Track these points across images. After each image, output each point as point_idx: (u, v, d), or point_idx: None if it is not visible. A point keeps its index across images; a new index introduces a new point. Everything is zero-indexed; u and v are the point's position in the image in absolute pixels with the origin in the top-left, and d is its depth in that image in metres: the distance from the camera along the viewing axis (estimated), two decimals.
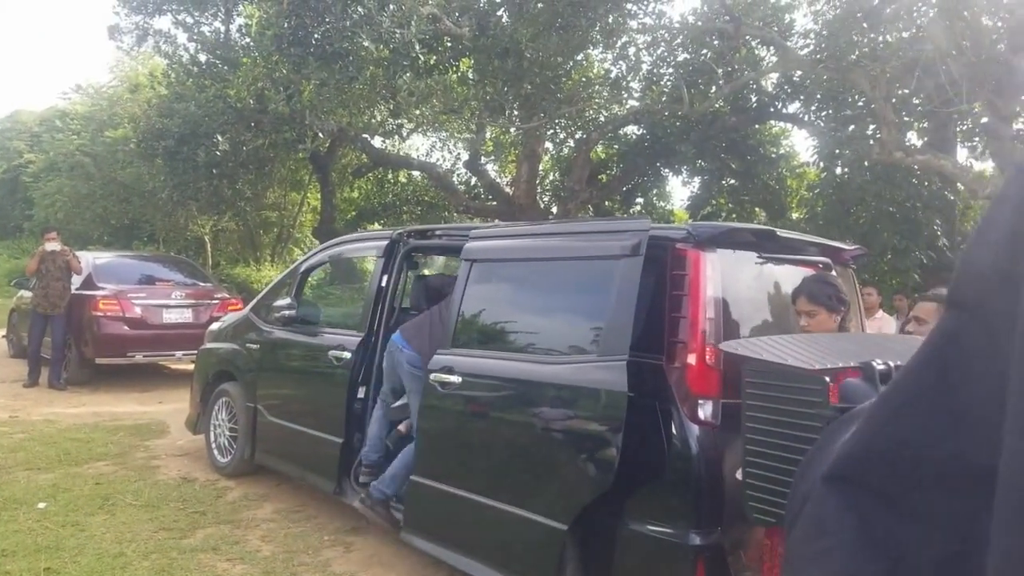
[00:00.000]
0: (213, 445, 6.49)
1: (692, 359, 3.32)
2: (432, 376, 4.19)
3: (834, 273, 3.93)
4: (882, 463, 0.66)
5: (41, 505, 5.33)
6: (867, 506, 0.67)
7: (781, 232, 3.96)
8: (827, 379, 2.25)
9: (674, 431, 3.27)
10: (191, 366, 8.10)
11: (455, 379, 4.07)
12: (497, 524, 3.78)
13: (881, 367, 2.14)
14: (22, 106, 41.49)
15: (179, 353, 10.39)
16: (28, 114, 34.96)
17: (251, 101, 12.70)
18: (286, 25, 10.60)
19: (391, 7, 10.16)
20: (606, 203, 17.19)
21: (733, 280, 3.57)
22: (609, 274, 3.52)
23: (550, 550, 3.45)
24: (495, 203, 16.92)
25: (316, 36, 10.81)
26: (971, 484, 0.60)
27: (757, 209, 16.24)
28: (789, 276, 3.79)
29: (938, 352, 0.64)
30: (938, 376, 0.63)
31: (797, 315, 3.55)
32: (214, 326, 7.27)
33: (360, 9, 10.56)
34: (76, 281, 10.29)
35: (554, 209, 16.91)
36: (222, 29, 15.11)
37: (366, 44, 9.99)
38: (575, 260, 3.90)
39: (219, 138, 12.55)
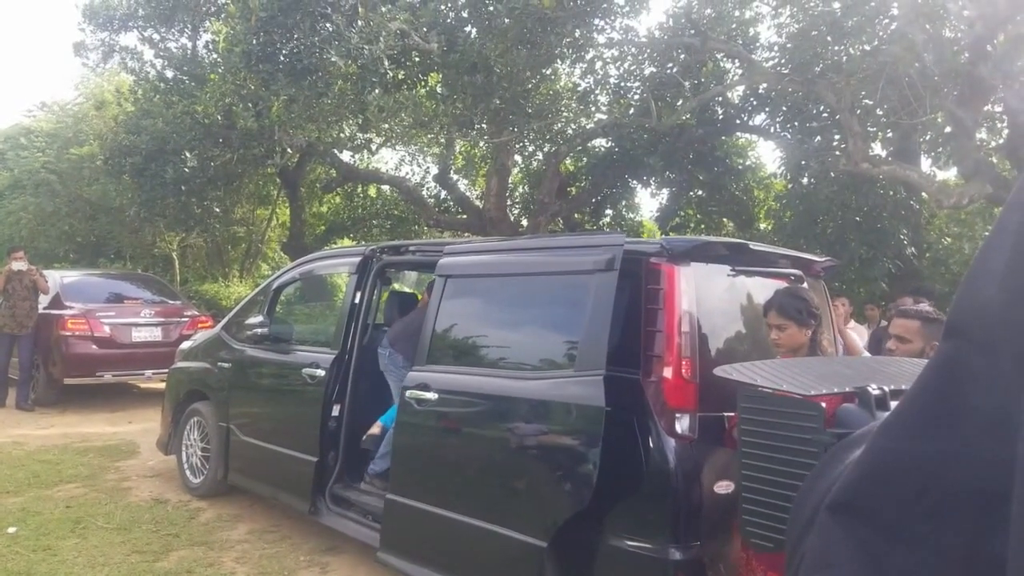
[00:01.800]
0: (185, 465, 6.41)
1: (668, 373, 3.34)
2: (407, 393, 4.18)
3: (805, 286, 3.97)
4: (885, 491, 0.67)
5: (11, 529, 5.24)
6: (871, 534, 0.68)
7: (754, 245, 4.01)
8: (823, 405, 2.26)
9: (651, 445, 3.29)
10: (161, 385, 8.01)
11: (431, 396, 4.06)
12: (475, 542, 3.77)
13: (876, 392, 2.16)
14: None
15: (149, 372, 10.29)
16: None
17: (219, 117, 12.61)
18: (255, 42, 10.56)
19: (359, 23, 10.14)
20: (576, 215, 17.24)
21: (707, 293, 3.61)
22: (584, 289, 3.54)
23: (529, 567, 3.44)
24: (465, 217, 16.91)
25: (285, 52, 10.78)
26: (975, 510, 0.61)
27: (725, 220, 16.36)
28: (762, 289, 3.83)
29: (940, 380, 0.65)
30: (940, 404, 0.64)
31: (768, 328, 3.59)
32: (185, 344, 7.21)
33: (329, 25, 10.56)
34: (43, 300, 10.17)
35: (524, 222, 16.92)
36: (189, 45, 15.01)
37: (335, 60, 9.96)
38: (550, 275, 3.92)
39: (187, 154, 12.43)
